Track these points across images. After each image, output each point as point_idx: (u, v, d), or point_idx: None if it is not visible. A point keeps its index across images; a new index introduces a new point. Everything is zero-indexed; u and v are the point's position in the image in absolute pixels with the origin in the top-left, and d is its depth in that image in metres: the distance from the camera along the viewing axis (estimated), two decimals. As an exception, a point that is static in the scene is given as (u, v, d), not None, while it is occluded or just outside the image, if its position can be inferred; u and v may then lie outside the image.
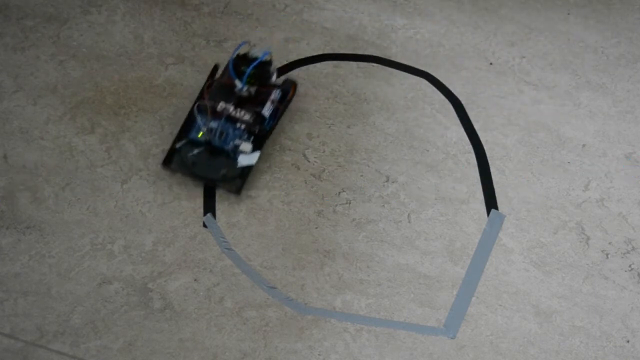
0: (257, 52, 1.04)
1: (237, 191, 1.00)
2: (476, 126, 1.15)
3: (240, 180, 1.00)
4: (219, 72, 1.07)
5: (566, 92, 1.22)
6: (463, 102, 1.19)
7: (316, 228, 1.00)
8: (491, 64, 1.25)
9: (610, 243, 1.02)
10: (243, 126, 1.01)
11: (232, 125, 1.01)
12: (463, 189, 1.06)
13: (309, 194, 1.03)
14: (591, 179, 1.09)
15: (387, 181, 1.06)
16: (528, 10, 1.36)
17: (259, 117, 1.02)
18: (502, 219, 1.03)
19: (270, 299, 0.91)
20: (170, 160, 1.00)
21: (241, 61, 1.03)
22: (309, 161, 1.08)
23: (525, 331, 0.91)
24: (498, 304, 0.94)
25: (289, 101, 1.07)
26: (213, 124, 1.00)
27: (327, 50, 1.25)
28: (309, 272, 0.95)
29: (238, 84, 1.01)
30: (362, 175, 1.07)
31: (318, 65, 1.22)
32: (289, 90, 1.06)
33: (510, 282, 0.96)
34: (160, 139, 1.08)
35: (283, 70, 1.21)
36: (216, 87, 1.03)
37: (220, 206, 1.01)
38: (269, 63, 1.04)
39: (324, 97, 1.17)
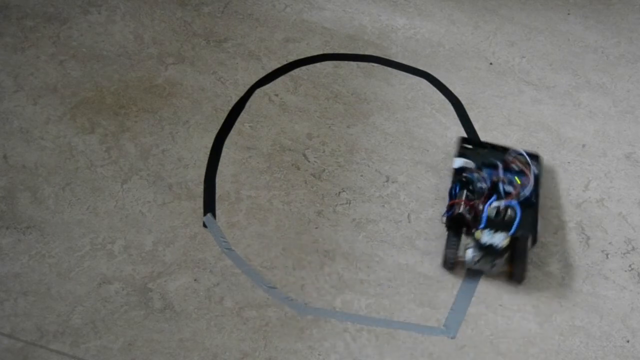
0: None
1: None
2: (476, 126, 1.15)
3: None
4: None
5: (566, 92, 1.22)
6: (463, 102, 1.19)
7: (316, 228, 1.00)
8: (491, 64, 1.25)
9: (610, 243, 1.02)
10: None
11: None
12: (463, 189, 1.06)
13: (309, 194, 1.03)
14: (591, 179, 1.09)
15: (387, 181, 1.06)
16: (528, 10, 1.36)
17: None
18: (502, 219, 1.03)
19: (270, 299, 0.91)
20: None
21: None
22: (309, 161, 1.08)
23: (525, 331, 0.91)
24: (498, 304, 0.94)
25: None
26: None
27: (327, 50, 1.25)
28: (309, 272, 0.95)
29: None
30: (362, 175, 1.07)
31: (318, 65, 1.22)
32: None
33: (510, 282, 0.96)
34: (161, 139, 1.08)
35: (283, 70, 1.21)
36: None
37: (220, 206, 1.01)
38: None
39: (324, 97, 1.17)
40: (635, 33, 1.33)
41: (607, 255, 1.00)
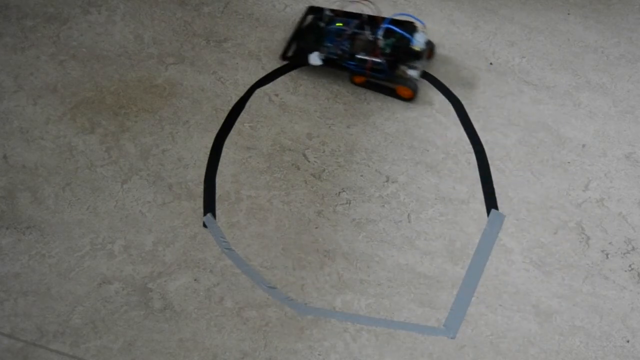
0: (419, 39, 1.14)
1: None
2: (476, 126, 1.15)
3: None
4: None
5: (566, 92, 1.22)
6: (463, 102, 1.19)
7: (316, 228, 1.00)
8: (491, 64, 1.25)
9: (610, 243, 1.02)
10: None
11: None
12: (463, 189, 1.06)
13: (309, 194, 1.03)
14: (591, 179, 1.09)
15: (387, 181, 1.06)
16: (528, 10, 1.36)
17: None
18: (502, 219, 1.03)
19: (270, 299, 0.91)
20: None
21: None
22: (309, 161, 1.08)
23: (525, 331, 0.91)
24: (498, 304, 0.94)
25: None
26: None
27: (327, 50, 1.25)
28: (309, 272, 0.95)
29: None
30: (362, 175, 1.07)
31: (318, 65, 1.22)
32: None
33: (510, 282, 0.96)
34: (161, 139, 1.08)
35: (283, 70, 1.21)
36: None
37: (220, 206, 1.01)
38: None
39: (324, 97, 1.17)
40: (635, 33, 1.33)
41: (607, 255, 1.00)
